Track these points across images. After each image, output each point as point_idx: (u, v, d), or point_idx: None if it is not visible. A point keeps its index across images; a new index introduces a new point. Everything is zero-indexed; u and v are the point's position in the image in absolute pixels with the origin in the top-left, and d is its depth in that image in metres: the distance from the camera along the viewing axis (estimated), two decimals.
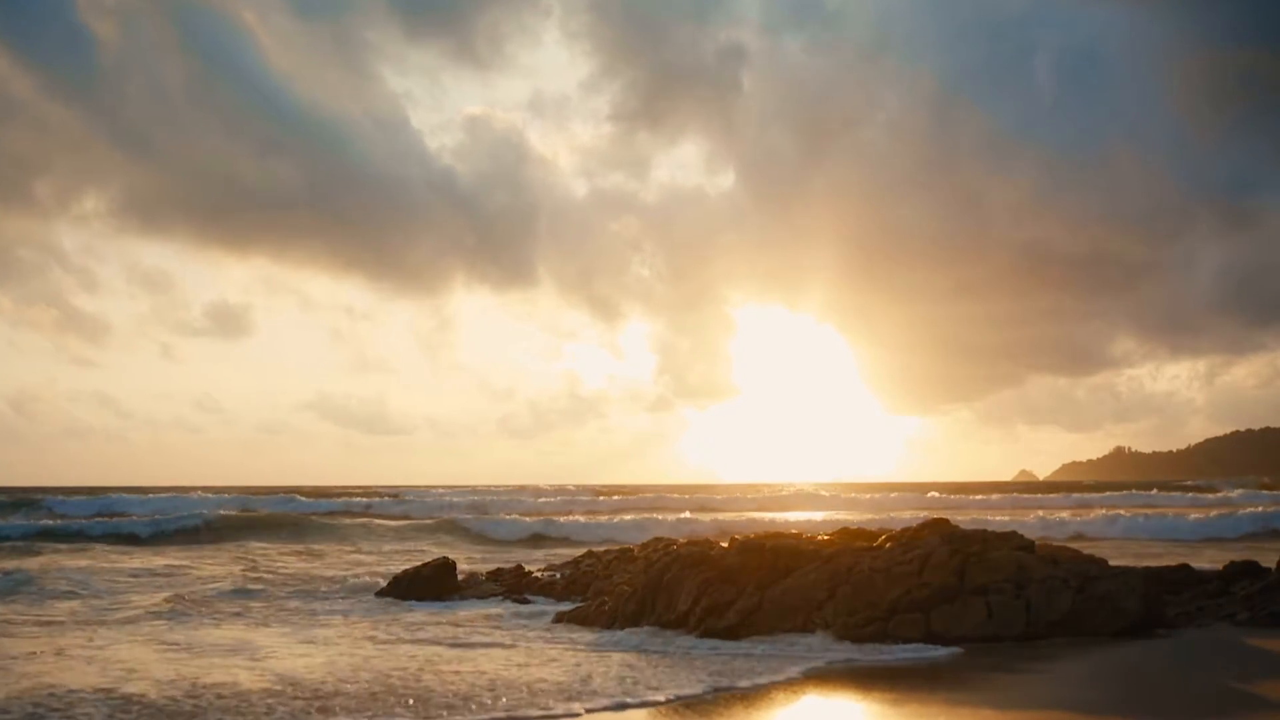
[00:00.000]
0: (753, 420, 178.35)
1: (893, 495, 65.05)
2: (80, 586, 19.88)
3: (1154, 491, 72.23)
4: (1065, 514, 42.76)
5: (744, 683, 10.84)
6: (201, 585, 20.36)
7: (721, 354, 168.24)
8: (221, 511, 41.67)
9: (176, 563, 25.11)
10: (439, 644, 13.60)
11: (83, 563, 24.56)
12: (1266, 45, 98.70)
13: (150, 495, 57.92)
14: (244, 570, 23.43)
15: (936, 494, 65.77)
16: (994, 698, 9.93)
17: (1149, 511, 41.96)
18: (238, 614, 16.69)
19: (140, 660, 12.01)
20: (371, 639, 14.05)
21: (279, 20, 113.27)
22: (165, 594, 18.59)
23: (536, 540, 36.19)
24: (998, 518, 37.32)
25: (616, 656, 12.56)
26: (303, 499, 57.31)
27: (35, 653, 12.57)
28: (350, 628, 15.22)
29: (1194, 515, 38.89)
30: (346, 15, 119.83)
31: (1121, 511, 41.65)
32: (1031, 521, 36.51)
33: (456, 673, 11.31)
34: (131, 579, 21.64)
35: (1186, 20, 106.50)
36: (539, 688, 10.51)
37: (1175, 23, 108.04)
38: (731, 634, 13.77)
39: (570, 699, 10.03)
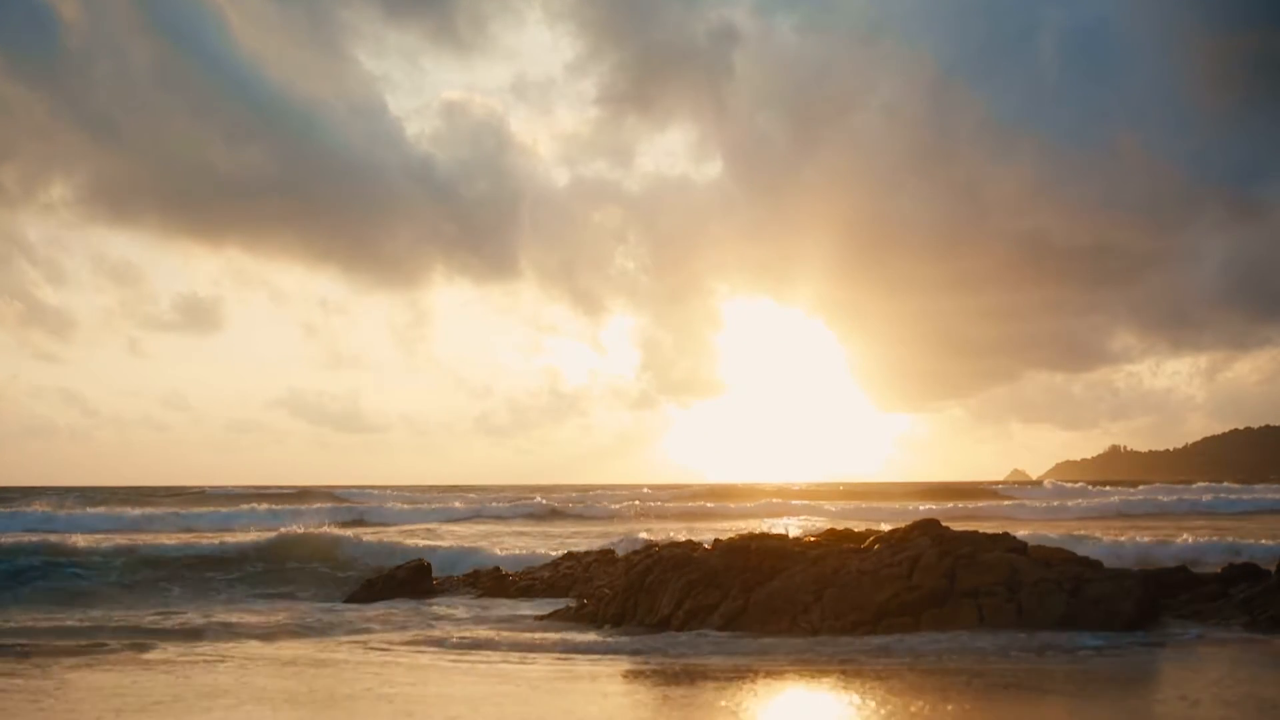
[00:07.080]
0: (739, 418, 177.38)
1: (903, 507, 52.37)
2: None
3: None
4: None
5: None
6: None
7: (707, 349, 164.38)
8: None
9: None
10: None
11: None
12: (1277, 28, 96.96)
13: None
14: None
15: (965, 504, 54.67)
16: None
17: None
18: None
19: None
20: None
21: None
22: None
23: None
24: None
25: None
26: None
27: None
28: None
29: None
30: None
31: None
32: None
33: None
34: None
35: (1195, 0, 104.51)
36: None
37: (1183, 3, 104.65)
38: None
39: None
